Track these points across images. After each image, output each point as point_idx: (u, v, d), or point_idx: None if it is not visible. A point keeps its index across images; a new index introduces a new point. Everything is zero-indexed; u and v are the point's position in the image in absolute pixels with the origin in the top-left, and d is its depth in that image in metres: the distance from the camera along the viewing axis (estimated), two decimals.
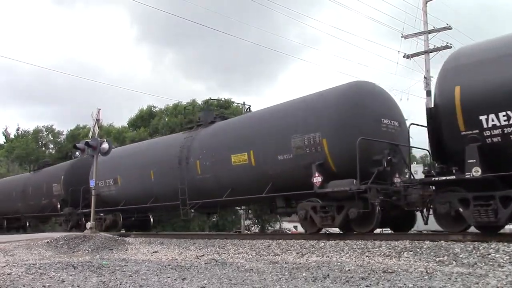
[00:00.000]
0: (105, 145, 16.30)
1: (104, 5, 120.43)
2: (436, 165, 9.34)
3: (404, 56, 26.69)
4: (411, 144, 11.01)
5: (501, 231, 9.08)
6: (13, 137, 50.81)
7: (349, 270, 6.63)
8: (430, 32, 25.86)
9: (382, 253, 8.04)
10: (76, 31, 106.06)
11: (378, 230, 11.58)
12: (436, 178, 9.01)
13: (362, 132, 9.95)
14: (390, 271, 6.32)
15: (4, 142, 50.90)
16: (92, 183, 16.39)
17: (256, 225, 32.61)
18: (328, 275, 6.20)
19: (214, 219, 30.00)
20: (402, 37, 26.85)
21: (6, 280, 6.52)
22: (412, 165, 12.15)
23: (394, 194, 9.96)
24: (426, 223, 9.78)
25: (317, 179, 10.48)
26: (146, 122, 36.37)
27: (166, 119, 35.07)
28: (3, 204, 26.24)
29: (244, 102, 30.50)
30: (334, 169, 10.47)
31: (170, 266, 7.88)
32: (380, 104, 10.90)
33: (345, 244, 9.00)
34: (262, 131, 12.30)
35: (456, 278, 5.61)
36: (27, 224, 25.77)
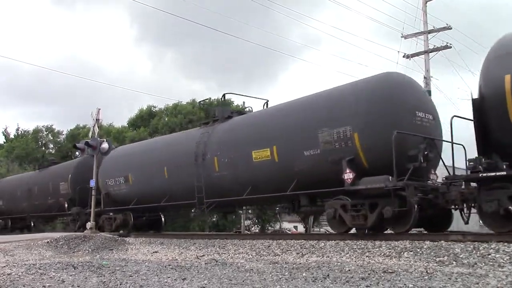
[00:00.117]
0: (105, 145, 16.35)
1: (104, 5, 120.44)
2: (483, 160, 8.66)
3: (404, 56, 26.72)
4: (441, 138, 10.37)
5: None
6: (13, 137, 50.83)
7: (349, 270, 6.63)
8: (430, 32, 25.88)
9: (382, 253, 8.04)
10: (76, 31, 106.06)
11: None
12: (484, 174, 8.40)
13: (396, 126, 9.37)
14: (390, 271, 6.32)
15: (4, 142, 50.91)
16: (92, 183, 16.40)
17: (256, 225, 32.61)
18: (328, 275, 6.20)
19: (214, 219, 30.03)
20: (402, 37, 26.90)
21: (6, 280, 6.53)
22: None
23: (432, 192, 9.45)
24: (467, 223, 9.23)
25: (348, 175, 9.86)
26: (146, 122, 36.34)
27: (166, 119, 35.06)
28: (8, 204, 25.66)
29: (244, 102, 30.54)
30: (366, 165, 9.85)
31: (170, 266, 7.89)
32: (414, 96, 10.31)
33: (345, 244, 8.99)
34: (286, 125, 11.67)
35: (456, 278, 5.61)
36: (32, 224, 25.10)
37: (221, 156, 13.14)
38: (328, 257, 8.45)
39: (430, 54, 25.57)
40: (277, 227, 33.13)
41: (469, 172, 8.98)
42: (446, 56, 29.54)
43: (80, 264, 8.26)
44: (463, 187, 9.21)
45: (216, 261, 8.48)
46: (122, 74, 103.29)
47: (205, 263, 8.25)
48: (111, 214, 17.17)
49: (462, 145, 10.33)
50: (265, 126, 12.43)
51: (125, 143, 32.01)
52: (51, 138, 50.28)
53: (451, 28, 25.52)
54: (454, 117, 9.31)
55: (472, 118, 9.10)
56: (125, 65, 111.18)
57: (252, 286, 5.76)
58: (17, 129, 51.37)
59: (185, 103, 36.12)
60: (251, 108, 15.14)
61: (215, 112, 14.99)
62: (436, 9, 52.03)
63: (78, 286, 6.08)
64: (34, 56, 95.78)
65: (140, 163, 16.44)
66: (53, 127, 50.26)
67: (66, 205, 19.89)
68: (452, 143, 9.38)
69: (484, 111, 8.67)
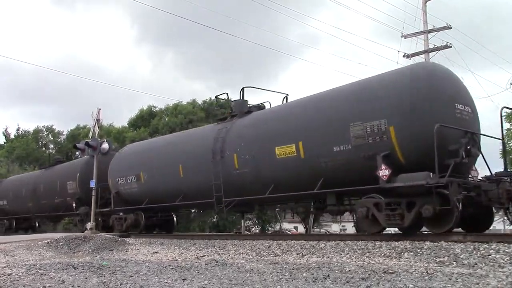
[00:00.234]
0: (105, 145, 16.35)
1: (104, 5, 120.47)
2: None
3: (404, 56, 26.78)
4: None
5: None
6: (13, 137, 50.92)
7: (349, 270, 6.62)
8: (429, 31, 25.91)
9: (383, 254, 8.03)
10: (77, 31, 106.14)
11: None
12: None
13: (435, 118, 8.76)
14: (391, 271, 6.31)
15: (4, 142, 51.00)
16: (92, 184, 16.38)
17: (256, 226, 32.64)
18: (328, 276, 6.20)
19: (214, 220, 30.06)
20: (401, 36, 26.97)
21: (6, 281, 6.53)
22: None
23: (474, 189, 8.96)
24: None
25: (384, 172, 9.18)
26: (146, 122, 36.40)
27: (166, 119, 35.10)
28: (12, 204, 25.08)
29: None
30: (402, 160, 9.20)
31: (171, 267, 7.88)
32: (453, 87, 9.66)
33: (345, 245, 8.99)
34: (314, 119, 10.96)
35: (457, 279, 5.60)
36: (37, 225, 24.66)
37: (242, 153, 12.49)
38: (329, 257, 8.44)
39: (430, 53, 25.60)
40: (277, 227, 33.16)
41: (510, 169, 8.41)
42: (446, 56, 29.70)
43: (80, 265, 8.26)
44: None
45: (216, 262, 8.47)
46: (123, 74, 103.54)
47: (205, 264, 8.25)
48: (121, 214, 16.61)
49: (501, 139, 9.88)
50: (289, 121, 11.75)
51: (125, 143, 32.05)
52: (52, 138, 50.40)
53: (451, 28, 25.58)
54: (504, 108, 8.78)
55: None
56: (125, 65, 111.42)
57: (252, 286, 5.75)
58: (18, 130, 51.52)
59: (185, 103, 36.17)
60: (270, 103, 14.27)
61: (231, 107, 14.24)
62: (436, 9, 52.17)
63: (78, 287, 6.08)
64: (35, 56, 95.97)
65: (153, 161, 15.79)
66: (54, 127, 50.40)
67: (74, 205, 19.30)
68: (503, 138, 8.82)
69: None
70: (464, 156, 8.80)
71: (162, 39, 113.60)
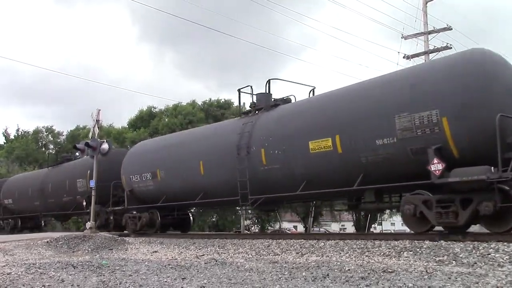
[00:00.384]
0: (105, 146, 16.35)
1: (105, 5, 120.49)
2: None
3: (404, 57, 26.80)
4: None
5: None
6: (13, 137, 50.93)
7: (348, 269, 6.63)
8: (430, 32, 25.92)
9: (382, 253, 8.03)
10: (77, 31, 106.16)
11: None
12: None
13: (492, 109, 8.12)
14: (390, 270, 6.31)
15: (4, 143, 51.02)
16: (92, 184, 16.40)
17: (256, 225, 32.65)
18: (327, 275, 6.20)
19: (213, 219, 30.07)
20: (402, 37, 26.96)
21: (5, 280, 6.54)
22: None
23: None
24: None
25: (437, 166, 8.49)
26: (146, 122, 36.42)
27: (166, 119, 35.11)
28: (18, 203, 24.46)
29: (244, 103, 30.54)
30: (456, 154, 8.54)
31: (170, 266, 7.89)
32: (510, 76, 8.89)
33: (345, 244, 8.99)
34: (353, 111, 10.26)
35: (456, 278, 5.61)
36: (43, 224, 24.19)
37: (270, 148, 11.83)
38: (328, 256, 8.45)
39: (430, 54, 25.56)
40: (277, 226, 33.16)
41: None
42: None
43: (80, 264, 8.26)
44: None
45: (216, 261, 8.47)
46: (123, 74, 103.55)
47: (205, 263, 8.25)
48: (134, 212, 16.01)
49: None
50: (325, 113, 11.03)
51: (125, 144, 32.09)
52: (51, 138, 50.42)
53: (451, 29, 25.60)
54: None
55: None
56: (126, 65, 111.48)
57: (251, 285, 5.75)
58: (17, 130, 51.55)
59: (185, 103, 36.19)
60: (295, 96, 13.52)
61: (256, 101, 13.64)
62: (437, 10, 52.12)
63: (77, 286, 6.08)
64: (35, 56, 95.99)
65: (170, 157, 15.02)
66: (53, 127, 50.44)
67: (84, 203, 18.79)
68: None
69: None
70: None
71: (163, 39, 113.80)
